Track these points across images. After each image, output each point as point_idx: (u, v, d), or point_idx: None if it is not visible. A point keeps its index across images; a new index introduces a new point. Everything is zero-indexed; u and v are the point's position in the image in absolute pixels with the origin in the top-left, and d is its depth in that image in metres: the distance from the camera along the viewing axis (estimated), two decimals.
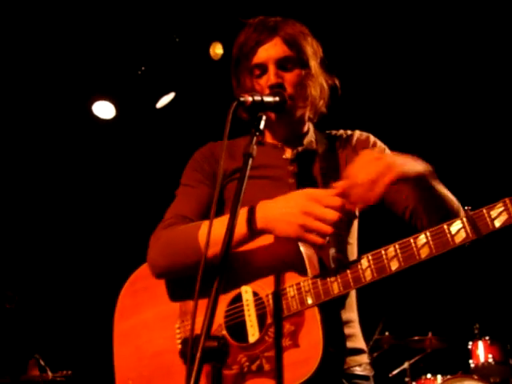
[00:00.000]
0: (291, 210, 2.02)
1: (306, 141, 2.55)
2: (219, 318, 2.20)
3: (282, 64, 2.40)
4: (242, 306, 2.16)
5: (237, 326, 2.16)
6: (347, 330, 2.21)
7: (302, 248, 2.09)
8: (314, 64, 2.46)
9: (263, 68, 2.40)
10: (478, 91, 5.91)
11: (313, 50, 2.47)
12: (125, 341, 2.45)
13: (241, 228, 2.10)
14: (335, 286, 2.03)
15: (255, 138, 2.00)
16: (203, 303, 1.73)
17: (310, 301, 2.05)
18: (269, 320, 2.09)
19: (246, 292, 2.16)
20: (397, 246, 1.97)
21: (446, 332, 6.45)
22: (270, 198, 2.37)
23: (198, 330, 1.96)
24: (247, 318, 2.14)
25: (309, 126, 2.62)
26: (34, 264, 6.91)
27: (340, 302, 2.20)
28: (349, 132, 2.61)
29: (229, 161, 2.48)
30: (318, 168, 2.47)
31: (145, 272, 2.42)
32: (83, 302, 6.83)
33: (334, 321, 2.12)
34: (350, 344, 2.20)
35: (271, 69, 2.38)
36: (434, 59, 5.82)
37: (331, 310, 2.10)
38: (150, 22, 5.84)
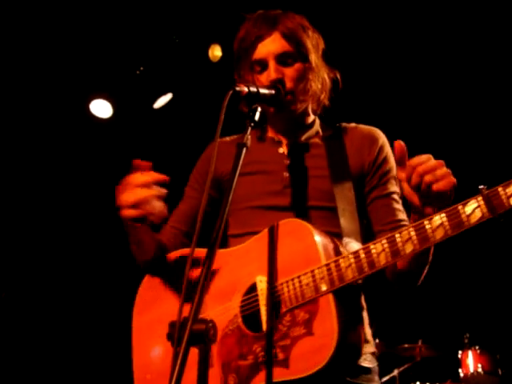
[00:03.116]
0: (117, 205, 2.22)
1: (307, 134, 2.55)
2: (235, 308, 2.22)
3: (282, 59, 2.41)
4: (257, 295, 2.17)
5: (252, 316, 2.17)
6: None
7: (317, 236, 2.11)
8: (314, 58, 2.47)
9: (263, 64, 2.42)
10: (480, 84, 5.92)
11: (313, 44, 2.48)
12: (143, 335, 2.45)
13: None
14: (349, 271, 2.03)
15: (249, 128, 2.02)
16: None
17: (324, 287, 2.04)
18: (283, 309, 2.10)
19: (261, 281, 2.17)
20: (411, 229, 1.96)
21: (436, 340, 6.45)
22: (263, 192, 2.42)
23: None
24: (262, 308, 2.14)
25: (314, 119, 2.62)
26: (38, 264, 6.88)
27: (355, 288, 2.18)
28: (361, 126, 2.58)
29: (231, 160, 2.50)
30: (315, 161, 2.47)
31: None
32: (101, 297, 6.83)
33: (350, 308, 2.11)
34: None
35: (271, 64, 2.40)
36: (437, 51, 5.83)
37: (347, 297, 2.09)
38: (149, 23, 5.86)
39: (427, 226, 1.93)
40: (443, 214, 1.89)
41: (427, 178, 1.90)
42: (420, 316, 6.54)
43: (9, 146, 6.53)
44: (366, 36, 5.76)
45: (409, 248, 1.95)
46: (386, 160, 2.48)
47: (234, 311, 2.22)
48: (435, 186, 1.90)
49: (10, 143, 6.52)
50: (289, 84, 2.39)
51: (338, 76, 2.57)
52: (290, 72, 2.41)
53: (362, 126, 2.58)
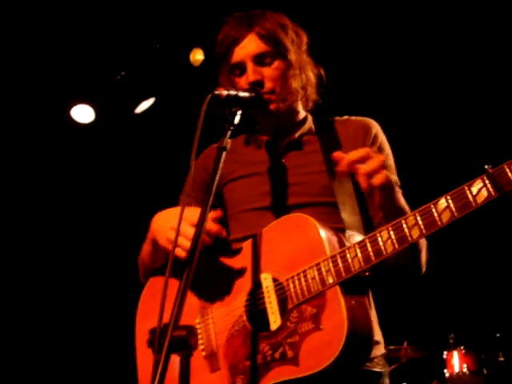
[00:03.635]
0: (164, 225, 2.23)
1: (299, 131, 2.54)
2: (240, 307, 2.19)
3: (260, 60, 2.40)
4: (262, 293, 2.14)
5: (258, 315, 2.14)
6: None
7: (321, 230, 2.09)
8: (293, 55, 2.44)
9: (242, 67, 2.41)
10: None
11: (292, 41, 2.46)
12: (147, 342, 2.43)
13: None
14: (356, 261, 1.99)
15: (229, 132, 2.02)
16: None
17: (330, 280, 2.01)
18: (289, 305, 2.07)
19: (266, 279, 2.15)
20: (417, 214, 1.92)
21: (422, 341, 6.46)
22: (260, 194, 2.43)
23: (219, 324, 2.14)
24: (268, 305, 2.11)
25: (306, 115, 2.60)
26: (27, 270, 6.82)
27: (363, 281, 2.14)
28: (353, 118, 2.56)
29: (228, 164, 2.47)
30: (311, 157, 2.46)
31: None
32: (102, 305, 6.78)
33: (358, 301, 2.06)
34: None
35: (249, 67, 2.39)
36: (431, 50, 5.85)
37: (355, 290, 2.05)
38: (130, 27, 5.83)
39: (433, 210, 1.89)
40: (449, 197, 1.86)
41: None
42: (405, 317, 6.55)
43: None
44: (358, 29, 5.75)
45: (416, 233, 1.91)
46: (380, 148, 2.46)
47: (239, 311, 2.19)
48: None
49: None
50: (268, 84, 2.38)
51: (322, 71, 2.55)
52: (268, 72, 2.39)
53: (354, 118, 2.56)
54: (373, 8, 5.65)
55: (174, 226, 2.02)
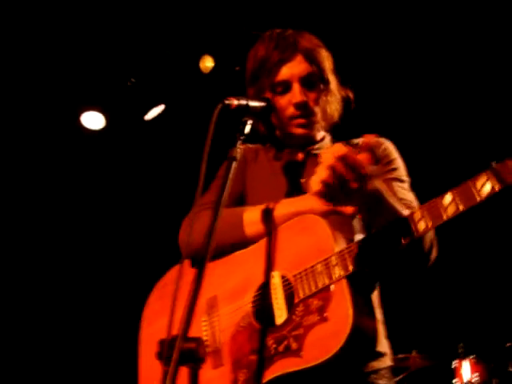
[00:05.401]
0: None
1: (317, 146, 2.58)
2: (247, 304, 2.22)
3: (306, 82, 2.46)
4: (269, 290, 2.17)
5: (265, 311, 2.16)
6: None
7: (330, 228, 2.11)
8: (331, 80, 2.53)
9: (286, 85, 2.46)
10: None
11: (329, 64, 2.53)
12: (151, 344, 2.37)
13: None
14: None
15: (239, 141, 2.02)
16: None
17: (337, 273, 2.03)
18: (296, 299, 2.09)
19: (274, 277, 2.18)
20: (423, 208, 1.96)
21: (431, 350, 6.42)
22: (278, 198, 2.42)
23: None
24: (274, 302, 2.14)
25: (324, 135, 2.65)
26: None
27: (369, 281, 2.18)
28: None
29: (253, 164, 2.63)
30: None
31: (173, 276, 2.46)
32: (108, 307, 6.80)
33: (364, 298, 2.10)
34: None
35: (296, 87, 2.45)
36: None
37: (361, 287, 2.06)
38: (140, 34, 5.86)
39: (439, 204, 1.92)
40: (455, 191, 1.89)
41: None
42: (414, 326, 6.52)
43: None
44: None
45: (422, 226, 1.95)
46: (387, 156, 2.50)
47: (246, 308, 2.22)
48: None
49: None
50: (311, 107, 2.46)
51: (351, 95, 2.62)
52: (312, 95, 2.48)
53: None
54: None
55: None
